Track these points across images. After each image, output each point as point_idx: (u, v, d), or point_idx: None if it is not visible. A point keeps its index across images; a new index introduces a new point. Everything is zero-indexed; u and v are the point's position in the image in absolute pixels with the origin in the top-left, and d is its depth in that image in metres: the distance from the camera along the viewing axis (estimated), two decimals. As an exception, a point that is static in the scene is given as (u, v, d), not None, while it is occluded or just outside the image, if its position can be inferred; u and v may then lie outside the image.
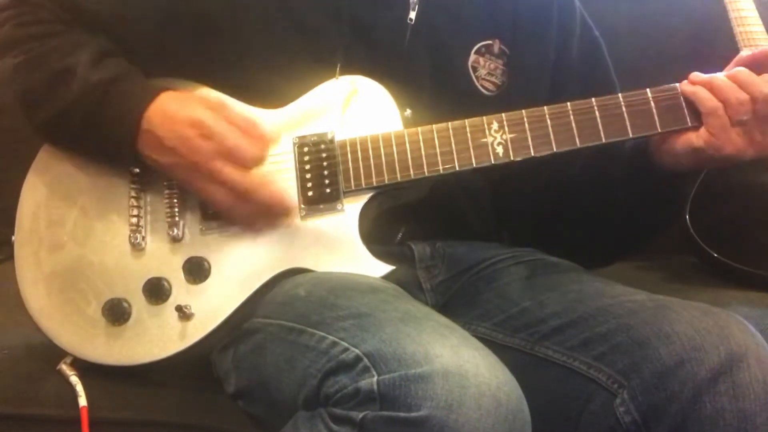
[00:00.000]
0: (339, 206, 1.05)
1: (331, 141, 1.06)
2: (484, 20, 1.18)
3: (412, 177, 1.04)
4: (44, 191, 1.10)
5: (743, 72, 1.03)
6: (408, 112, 1.08)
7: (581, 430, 0.95)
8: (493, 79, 1.17)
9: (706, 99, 1.03)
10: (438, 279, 1.16)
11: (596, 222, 1.17)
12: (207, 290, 1.05)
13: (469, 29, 1.17)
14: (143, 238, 1.07)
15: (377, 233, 1.08)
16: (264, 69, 1.10)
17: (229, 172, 1.01)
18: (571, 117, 1.03)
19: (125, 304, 1.05)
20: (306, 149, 1.07)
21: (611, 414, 0.92)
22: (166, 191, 1.08)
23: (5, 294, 1.11)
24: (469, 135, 1.04)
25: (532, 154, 1.03)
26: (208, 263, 1.05)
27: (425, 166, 1.03)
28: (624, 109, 1.03)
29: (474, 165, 1.03)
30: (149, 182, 1.08)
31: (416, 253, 1.16)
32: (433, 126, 1.04)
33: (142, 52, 1.11)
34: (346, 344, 0.86)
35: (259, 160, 1.03)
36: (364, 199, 1.05)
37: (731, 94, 1.01)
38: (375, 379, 0.82)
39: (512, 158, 1.03)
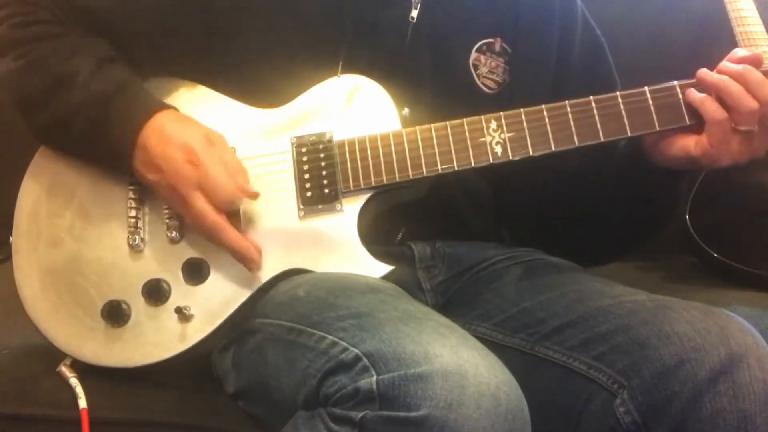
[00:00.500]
0: (338, 206, 1.05)
1: (330, 141, 1.06)
2: (486, 18, 1.17)
3: (411, 177, 1.04)
4: (42, 192, 1.10)
5: (753, 74, 0.99)
6: (406, 110, 1.08)
7: (581, 430, 0.95)
8: (494, 77, 1.17)
9: (713, 111, 1.00)
10: (438, 279, 1.16)
11: (594, 221, 1.17)
12: (206, 291, 1.05)
13: (470, 27, 1.17)
14: (142, 239, 1.07)
15: (377, 233, 1.08)
16: (265, 67, 1.10)
17: (201, 205, 1.01)
18: (570, 116, 1.03)
19: (124, 306, 1.05)
20: (304, 149, 1.07)
21: (611, 414, 0.91)
22: (164, 193, 1.08)
23: (5, 294, 1.11)
24: (467, 134, 1.03)
25: (531, 153, 1.03)
26: (207, 264, 1.05)
27: (424, 166, 1.03)
28: (622, 107, 1.03)
29: (473, 164, 1.03)
30: (147, 184, 1.08)
31: (416, 253, 1.16)
32: (432, 126, 1.04)
33: (142, 51, 1.11)
34: (345, 344, 0.86)
35: (230, 206, 1.03)
36: (362, 199, 1.05)
37: (743, 102, 0.99)
38: (374, 378, 0.82)
39: (511, 157, 1.03)
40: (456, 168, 1.03)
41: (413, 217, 1.13)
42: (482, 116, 1.04)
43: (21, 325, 1.09)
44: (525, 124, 1.03)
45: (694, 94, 1.02)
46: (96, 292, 1.06)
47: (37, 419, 1.06)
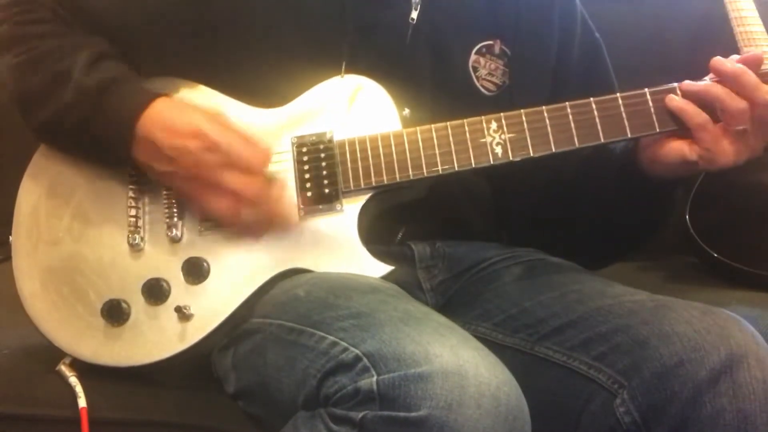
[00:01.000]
0: (338, 206, 1.05)
1: (330, 141, 1.06)
2: (485, 20, 1.17)
3: (411, 177, 1.04)
4: (42, 192, 1.10)
5: (745, 73, 0.99)
6: (407, 111, 1.08)
7: (581, 430, 0.95)
8: (493, 79, 1.17)
9: (693, 115, 1.00)
10: (438, 279, 1.16)
11: (593, 223, 1.17)
12: (206, 291, 1.05)
13: (469, 29, 1.17)
14: (142, 238, 1.07)
15: (377, 233, 1.08)
16: (265, 67, 1.10)
17: (237, 180, 1.00)
18: (570, 117, 1.03)
19: (124, 305, 1.05)
20: (305, 149, 1.07)
21: (611, 414, 0.92)
22: (165, 192, 1.08)
23: (5, 294, 1.11)
24: (467, 135, 1.04)
25: (531, 154, 1.03)
26: (207, 264, 1.05)
27: (424, 167, 1.03)
28: (622, 109, 1.03)
29: (473, 165, 1.03)
30: (148, 183, 1.08)
31: (416, 253, 1.16)
32: (432, 126, 1.04)
33: (143, 51, 1.11)
34: (345, 344, 0.86)
35: (265, 165, 1.02)
36: (363, 199, 1.05)
37: (729, 103, 0.99)
38: (374, 379, 0.82)
39: (511, 158, 1.03)
40: (456, 168, 1.03)
41: (413, 217, 1.13)
42: (483, 117, 1.04)
43: (21, 324, 1.09)
44: (525, 125, 1.03)
45: (673, 101, 1.02)
46: (96, 291, 1.06)
47: (37, 419, 1.06)
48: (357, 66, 1.09)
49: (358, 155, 1.05)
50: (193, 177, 1.01)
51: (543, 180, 1.16)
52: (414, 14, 1.13)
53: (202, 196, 1.03)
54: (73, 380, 1.04)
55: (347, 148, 1.06)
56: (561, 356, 0.99)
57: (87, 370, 1.06)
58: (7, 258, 1.10)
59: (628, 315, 0.97)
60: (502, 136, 1.04)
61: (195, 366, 1.08)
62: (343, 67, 1.09)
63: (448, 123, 1.04)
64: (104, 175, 1.09)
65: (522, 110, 1.04)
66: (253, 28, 1.11)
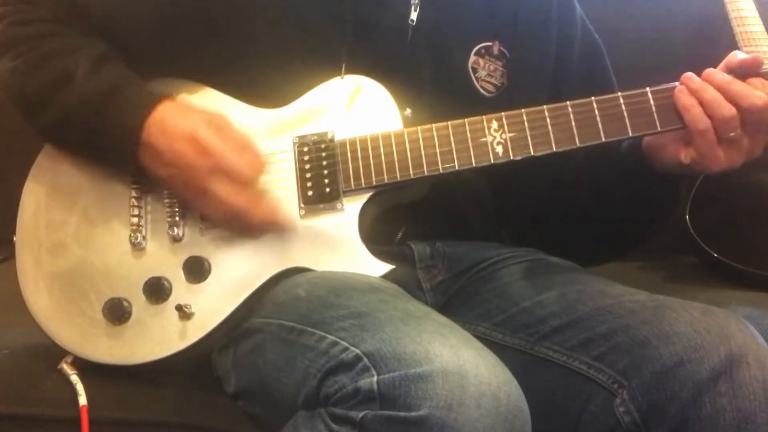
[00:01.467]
0: (339, 206, 1.05)
1: (331, 140, 1.06)
2: (484, 22, 1.17)
3: (412, 176, 1.04)
4: (45, 191, 1.10)
5: (735, 84, 0.99)
6: (408, 111, 1.08)
7: (581, 430, 0.95)
8: (492, 80, 1.17)
9: (699, 119, 0.99)
10: (438, 279, 1.16)
11: (595, 221, 1.17)
12: (207, 290, 1.05)
13: (469, 30, 1.17)
14: (144, 237, 1.07)
15: (377, 233, 1.08)
16: (266, 68, 1.10)
17: (223, 190, 1.00)
18: (571, 116, 1.03)
19: (125, 304, 1.05)
20: (306, 149, 1.07)
21: (611, 414, 0.92)
22: (167, 191, 1.08)
23: (5, 294, 1.11)
24: (468, 134, 1.04)
25: (532, 154, 1.03)
26: (208, 263, 1.06)
27: (425, 166, 1.03)
28: (624, 108, 1.03)
29: (474, 164, 1.03)
30: (150, 182, 1.08)
31: (416, 253, 1.16)
32: (433, 125, 1.04)
33: (143, 51, 1.11)
34: (345, 344, 0.86)
35: (254, 179, 1.03)
36: (363, 198, 1.05)
37: (718, 110, 0.98)
38: (375, 378, 0.82)
39: (512, 157, 1.03)
40: (457, 168, 1.03)
41: (413, 216, 1.14)
42: (483, 116, 1.04)
43: (21, 324, 1.09)
44: (526, 124, 1.03)
45: (682, 96, 1.01)
46: (97, 290, 1.06)
47: (37, 419, 1.06)
48: (357, 67, 1.09)
49: (359, 154, 1.05)
50: (188, 180, 1.02)
51: (543, 180, 1.16)
52: (413, 15, 1.13)
53: (195, 200, 1.04)
54: (74, 378, 1.04)
55: (348, 147, 1.06)
56: (561, 356, 0.99)
57: (88, 369, 1.06)
58: (8, 258, 1.10)
59: (628, 315, 0.97)
60: (503, 136, 1.04)
61: (195, 366, 1.08)
62: (343, 68, 1.09)
63: (449, 122, 1.04)
64: (107, 175, 1.09)
65: (523, 110, 1.04)
66: (253, 29, 1.11)
